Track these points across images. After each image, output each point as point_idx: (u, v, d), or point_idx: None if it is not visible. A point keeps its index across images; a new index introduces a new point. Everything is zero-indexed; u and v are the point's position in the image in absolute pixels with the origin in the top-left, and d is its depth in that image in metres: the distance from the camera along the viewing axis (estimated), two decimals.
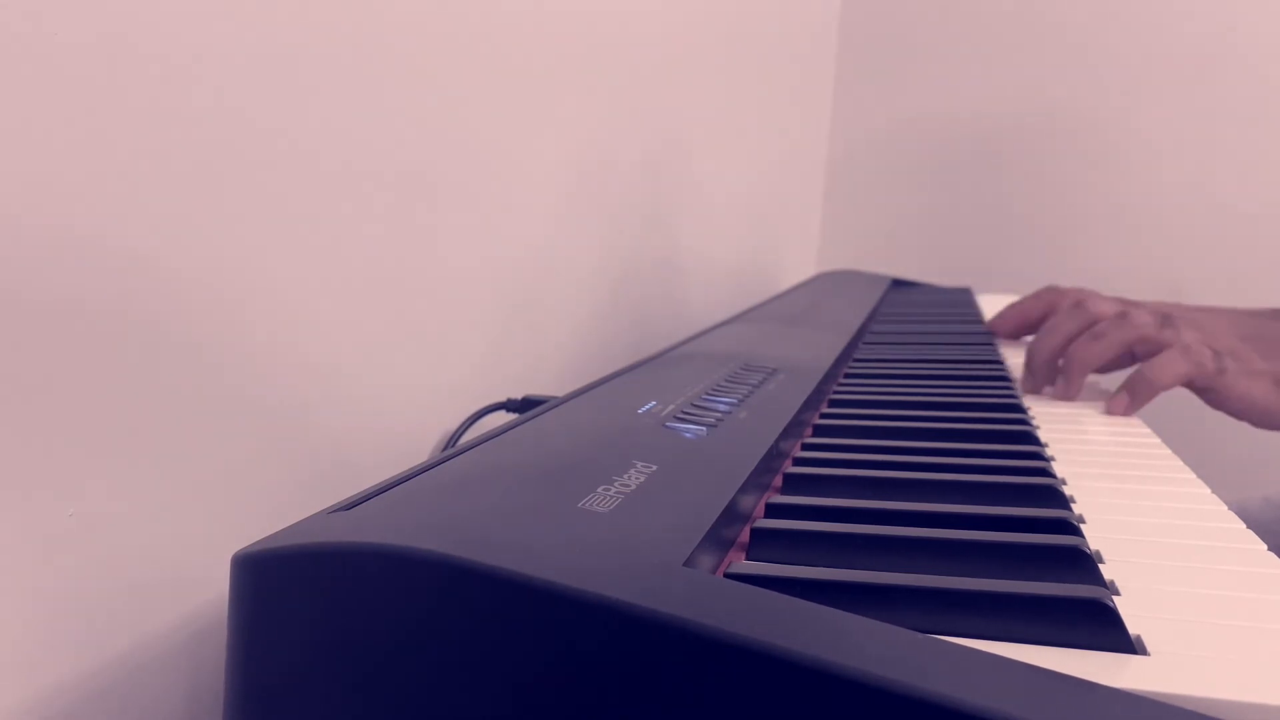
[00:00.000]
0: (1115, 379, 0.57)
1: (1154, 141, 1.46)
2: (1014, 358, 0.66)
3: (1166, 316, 0.55)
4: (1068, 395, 0.53)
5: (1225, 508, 0.35)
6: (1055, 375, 0.56)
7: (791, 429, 0.40)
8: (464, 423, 0.52)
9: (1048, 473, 0.37)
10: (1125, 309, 0.56)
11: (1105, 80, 1.47)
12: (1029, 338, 0.69)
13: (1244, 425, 0.55)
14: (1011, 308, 0.72)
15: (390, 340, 0.45)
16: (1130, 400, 0.51)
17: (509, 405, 0.54)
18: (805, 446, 0.41)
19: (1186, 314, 0.60)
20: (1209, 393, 0.53)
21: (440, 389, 0.50)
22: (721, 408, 0.40)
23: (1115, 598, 0.27)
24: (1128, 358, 0.56)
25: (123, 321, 0.31)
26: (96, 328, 0.30)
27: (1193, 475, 0.40)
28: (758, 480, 0.33)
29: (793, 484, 0.36)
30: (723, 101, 1.01)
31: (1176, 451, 0.43)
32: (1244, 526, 0.33)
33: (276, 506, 0.39)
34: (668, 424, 0.37)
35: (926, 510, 0.32)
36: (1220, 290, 1.32)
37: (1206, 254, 1.43)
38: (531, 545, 0.23)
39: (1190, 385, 0.53)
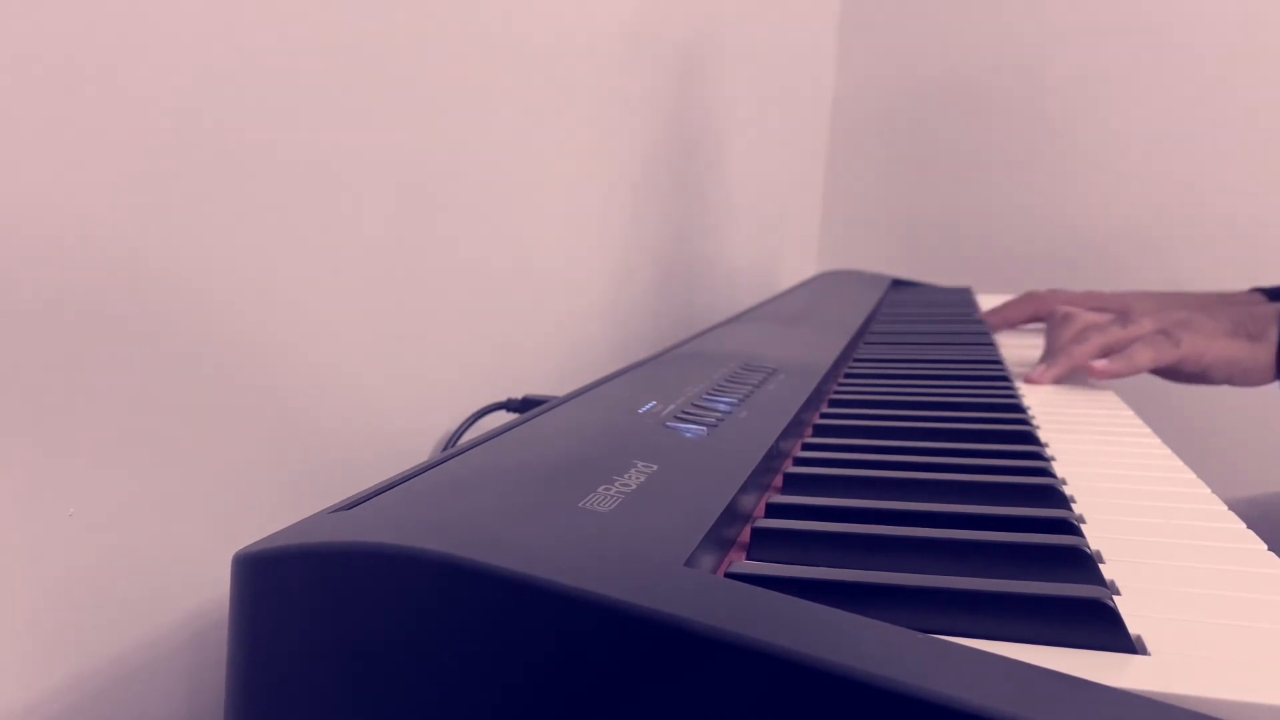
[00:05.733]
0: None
1: (1157, 138, 1.45)
2: (1009, 351, 0.66)
3: (1124, 315, 0.66)
4: (1047, 377, 0.62)
5: (1225, 507, 0.35)
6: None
7: (792, 429, 0.40)
8: (464, 423, 0.52)
9: (1048, 473, 0.37)
10: (1098, 319, 0.67)
11: (1105, 81, 1.47)
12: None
13: (1241, 426, 0.56)
14: (1002, 311, 0.86)
15: (390, 340, 0.45)
16: (1109, 365, 0.62)
17: (509, 405, 0.54)
18: (805, 446, 0.41)
19: (1140, 303, 0.76)
20: (1181, 372, 0.64)
21: (440, 389, 0.50)
22: (722, 408, 0.40)
23: (1115, 598, 0.27)
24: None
25: (123, 322, 0.31)
26: (96, 328, 0.30)
27: (1193, 475, 0.40)
28: (758, 480, 0.33)
29: (793, 484, 0.36)
30: (722, 102, 1.01)
31: (1176, 452, 0.43)
32: (1244, 526, 0.33)
33: (276, 506, 0.39)
34: (668, 424, 0.37)
35: (926, 510, 0.32)
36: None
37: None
38: (532, 545, 0.23)
39: (1162, 372, 0.64)
